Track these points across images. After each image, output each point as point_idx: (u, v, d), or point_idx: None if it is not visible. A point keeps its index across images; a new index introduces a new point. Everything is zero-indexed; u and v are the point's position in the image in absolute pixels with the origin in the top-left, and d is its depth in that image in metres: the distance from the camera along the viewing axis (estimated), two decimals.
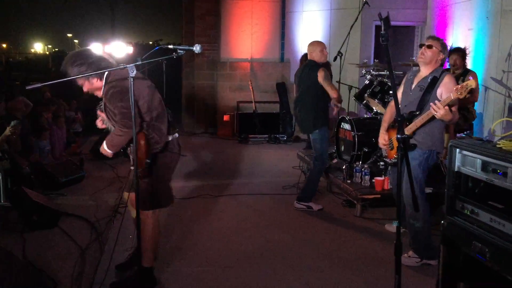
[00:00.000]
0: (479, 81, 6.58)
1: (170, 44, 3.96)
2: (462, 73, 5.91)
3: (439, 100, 3.58)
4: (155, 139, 3.41)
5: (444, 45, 3.91)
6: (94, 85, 3.39)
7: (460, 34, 7.98)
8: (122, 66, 2.90)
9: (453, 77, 3.91)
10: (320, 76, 5.17)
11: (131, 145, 3.34)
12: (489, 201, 2.39)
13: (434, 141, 3.87)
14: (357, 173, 5.34)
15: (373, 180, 5.15)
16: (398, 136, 2.18)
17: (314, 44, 5.51)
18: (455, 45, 7.99)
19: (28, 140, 6.89)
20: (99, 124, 3.63)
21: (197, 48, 2.98)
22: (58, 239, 4.58)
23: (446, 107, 3.43)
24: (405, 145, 2.15)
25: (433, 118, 3.61)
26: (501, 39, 6.96)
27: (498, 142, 2.33)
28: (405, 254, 3.91)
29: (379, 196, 5.00)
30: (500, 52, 6.94)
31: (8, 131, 5.97)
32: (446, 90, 3.73)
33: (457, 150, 2.53)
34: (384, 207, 5.21)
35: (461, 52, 5.93)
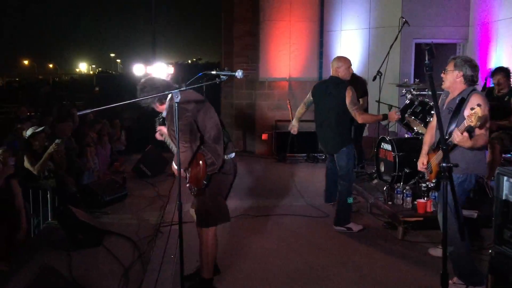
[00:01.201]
0: None
1: (211, 68, 4.06)
2: (508, 93, 5.76)
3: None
4: (211, 160, 3.58)
5: (458, 62, 3.77)
6: (159, 108, 3.75)
7: (504, 52, 7.79)
8: (167, 92, 2.99)
9: (480, 95, 3.72)
10: (348, 97, 5.10)
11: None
12: None
13: (470, 164, 3.70)
14: (398, 195, 5.25)
15: (415, 202, 5.05)
16: (443, 164, 2.16)
17: (341, 59, 5.40)
18: (498, 63, 7.84)
19: (74, 161, 7.11)
20: (158, 136, 3.89)
21: (239, 73, 3.05)
22: (102, 258, 4.70)
23: (465, 134, 3.32)
24: (450, 174, 2.11)
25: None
26: None
27: None
28: (450, 281, 3.79)
29: (421, 219, 4.90)
30: None
31: (51, 148, 6.22)
32: (472, 105, 3.64)
33: (505, 178, 2.48)
34: (427, 229, 5.09)
35: (504, 72, 5.80)
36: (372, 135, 8.85)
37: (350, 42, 9.65)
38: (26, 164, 5.98)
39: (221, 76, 3.12)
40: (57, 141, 6.84)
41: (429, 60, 2.24)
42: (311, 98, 5.62)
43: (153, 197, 6.97)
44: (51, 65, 74.93)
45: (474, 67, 3.78)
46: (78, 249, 4.83)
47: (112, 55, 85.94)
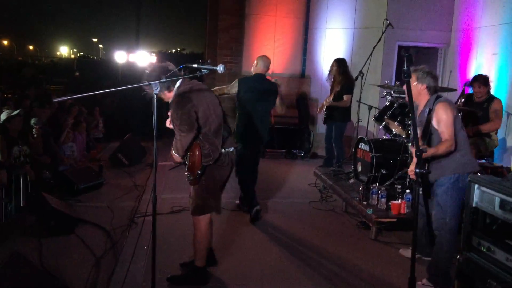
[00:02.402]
0: (503, 105, 6.50)
1: (195, 59, 4.07)
2: (487, 100, 5.86)
3: (435, 129, 3.76)
4: (207, 151, 3.65)
5: (420, 75, 3.89)
6: (166, 96, 3.74)
7: (484, 59, 7.91)
8: (146, 83, 2.95)
9: (444, 104, 3.78)
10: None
11: (188, 153, 3.68)
12: (506, 240, 2.36)
13: (458, 164, 3.76)
14: (374, 195, 5.31)
15: (390, 203, 5.11)
16: (417, 170, 2.19)
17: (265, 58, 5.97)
18: (478, 69, 7.96)
19: (51, 145, 7.00)
20: (168, 124, 3.88)
21: (220, 68, 3.04)
22: (74, 246, 4.65)
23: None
24: (423, 180, 2.15)
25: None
26: None
27: None
28: (419, 282, 3.87)
29: (395, 220, 4.96)
30: None
31: (35, 131, 6.17)
32: (437, 119, 3.75)
33: (476, 185, 2.52)
34: (400, 230, 5.16)
35: (482, 80, 5.89)
36: (351, 134, 8.93)
37: (335, 41, 9.68)
38: None
39: (202, 70, 3.11)
40: (33, 120, 6.72)
41: (407, 67, 2.26)
42: (241, 91, 5.62)
43: (129, 187, 6.91)
44: (31, 47, 73.41)
45: (435, 77, 3.93)
46: (50, 236, 4.77)
47: (95, 40, 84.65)
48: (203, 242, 3.87)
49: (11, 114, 6.13)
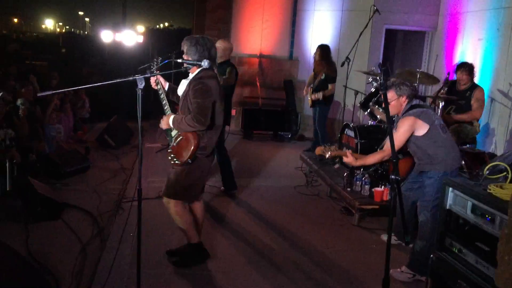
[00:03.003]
0: (486, 93, 6.58)
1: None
2: (469, 88, 5.93)
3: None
4: (204, 144, 3.68)
5: (398, 90, 3.99)
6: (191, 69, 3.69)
7: (470, 44, 7.96)
8: (131, 78, 2.94)
9: (407, 119, 3.93)
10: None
11: (180, 137, 3.68)
12: (476, 242, 2.45)
13: (443, 162, 3.90)
14: (357, 182, 5.40)
15: (373, 190, 5.21)
16: (392, 177, 2.25)
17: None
18: (464, 54, 8.02)
19: (36, 127, 6.96)
20: (152, 82, 3.87)
21: (205, 63, 3.06)
22: (60, 232, 4.69)
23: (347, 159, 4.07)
24: (398, 187, 2.21)
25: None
26: (510, 51, 6.95)
27: (489, 187, 2.38)
28: (398, 269, 3.99)
29: (377, 207, 5.07)
30: (508, 65, 6.94)
31: (21, 112, 6.12)
32: (397, 127, 3.96)
33: (450, 188, 2.59)
34: (382, 216, 5.27)
35: (467, 67, 5.94)
36: (334, 116, 9.00)
37: (323, 23, 9.65)
38: None
39: (186, 65, 3.12)
40: (19, 101, 6.65)
41: (384, 80, 2.30)
42: None
43: (116, 170, 6.93)
44: (15, 20, 71.85)
45: (408, 83, 4.05)
46: (36, 222, 4.79)
47: (81, 13, 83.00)
48: (183, 219, 3.93)
49: None
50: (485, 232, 2.33)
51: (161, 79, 3.92)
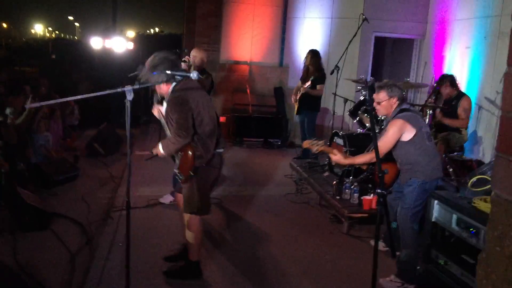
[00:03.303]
0: (473, 101, 6.66)
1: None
2: (456, 97, 6.00)
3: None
4: (200, 153, 3.69)
5: (389, 91, 4.04)
6: (162, 89, 3.73)
7: (458, 52, 8.05)
8: (120, 90, 2.95)
9: (397, 121, 3.95)
10: None
11: (179, 153, 3.74)
12: (462, 255, 2.47)
13: (424, 170, 3.89)
14: (347, 190, 5.43)
15: (362, 198, 5.24)
16: (378, 190, 2.27)
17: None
18: (452, 62, 8.11)
19: (24, 135, 6.91)
20: (155, 112, 3.96)
21: (194, 75, 3.08)
22: (49, 242, 4.64)
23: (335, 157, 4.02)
24: (385, 201, 2.23)
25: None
26: (497, 60, 7.04)
27: (474, 201, 2.41)
28: (387, 278, 4.01)
29: (366, 215, 5.09)
30: (495, 73, 7.02)
31: (9, 121, 6.08)
32: (386, 129, 3.99)
33: (435, 201, 2.62)
34: (371, 224, 5.29)
35: (447, 80, 6.04)
36: (322, 123, 9.03)
37: (313, 30, 9.71)
38: None
39: (176, 77, 3.13)
40: (8, 110, 6.58)
41: (370, 96, 2.32)
42: None
43: (105, 178, 6.90)
44: (4, 25, 71.38)
45: (400, 86, 4.11)
46: (24, 231, 4.75)
47: (71, 18, 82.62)
48: (196, 238, 3.97)
49: None
50: (470, 245, 2.35)
51: (161, 109, 3.93)
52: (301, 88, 7.56)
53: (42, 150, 7.28)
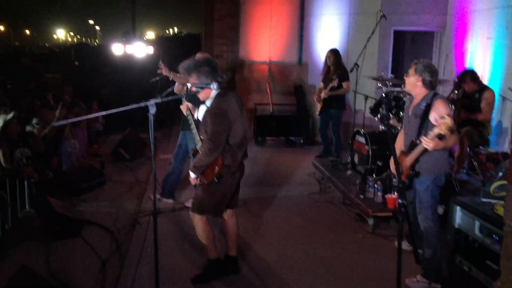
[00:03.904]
0: (497, 92, 6.56)
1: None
2: (479, 90, 5.93)
3: (434, 125, 3.69)
4: (228, 162, 3.74)
5: (418, 67, 3.95)
6: (203, 94, 3.70)
7: (479, 43, 7.92)
8: (143, 104, 3.02)
9: (443, 100, 3.90)
10: None
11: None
12: (486, 261, 2.47)
13: (438, 164, 3.92)
14: (370, 189, 5.43)
15: (386, 197, 5.23)
16: (399, 201, 2.29)
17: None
18: (474, 53, 7.99)
19: (51, 144, 7.07)
20: (184, 109, 4.03)
21: (213, 86, 3.13)
22: (80, 249, 4.78)
23: (436, 140, 3.51)
24: (406, 210, 2.25)
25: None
26: None
27: (496, 207, 2.40)
28: (414, 279, 4.00)
29: (390, 214, 5.09)
30: None
31: (36, 132, 6.26)
32: (438, 114, 3.79)
33: (458, 207, 2.62)
34: (397, 222, 5.28)
35: (468, 76, 5.96)
36: (349, 120, 8.99)
37: (330, 27, 9.66)
38: (0, 156, 5.90)
39: (196, 88, 3.20)
40: (34, 120, 6.75)
41: (386, 111, 2.34)
42: None
43: (131, 183, 7.04)
44: (28, 31, 72.87)
45: (433, 72, 3.95)
46: (56, 240, 4.89)
47: (91, 22, 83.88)
48: (205, 235, 4.03)
49: (6, 119, 6.15)
50: (494, 252, 2.35)
51: (190, 106, 4.02)
52: (323, 92, 7.53)
53: (70, 157, 7.47)
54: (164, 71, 5.58)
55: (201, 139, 3.88)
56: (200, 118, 3.88)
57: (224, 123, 3.61)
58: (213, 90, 3.30)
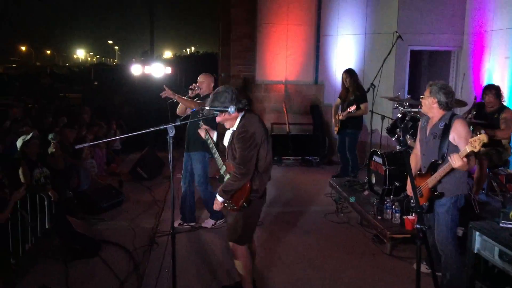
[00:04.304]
0: None
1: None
2: (497, 110, 5.88)
3: (454, 146, 3.79)
4: (257, 187, 3.73)
5: (433, 89, 3.99)
6: (230, 117, 3.67)
7: (497, 62, 7.89)
8: (162, 127, 3.08)
9: (463, 121, 3.93)
10: None
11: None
12: (506, 287, 2.45)
13: (459, 185, 3.94)
14: (388, 210, 5.39)
15: (404, 218, 5.18)
16: (417, 226, 2.29)
17: (203, 76, 5.87)
18: (491, 73, 7.95)
19: (71, 164, 7.17)
20: (202, 134, 4.06)
21: (231, 109, 3.18)
22: (98, 269, 4.83)
23: (464, 159, 3.52)
24: (424, 235, 2.25)
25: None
26: None
27: None
28: None
29: (409, 235, 5.04)
30: None
31: (52, 147, 6.37)
32: (458, 135, 3.85)
33: (477, 233, 2.61)
34: (415, 244, 5.22)
35: (494, 90, 5.91)
36: (366, 140, 8.96)
37: (347, 47, 9.73)
38: (20, 173, 6.01)
39: (214, 112, 3.26)
40: (50, 136, 6.82)
41: (403, 137, 2.36)
42: None
43: (149, 202, 7.09)
44: (48, 51, 74.58)
45: (448, 93, 3.98)
46: (75, 259, 4.95)
47: (110, 42, 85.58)
48: (245, 267, 3.96)
49: (26, 139, 6.26)
50: None
51: (209, 130, 4.06)
52: (341, 114, 7.54)
53: (89, 177, 7.56)
54: (168, 94, 5.56)
55: (223, 163, 3.87)
56: (226, 143, 3.86)
57: (253, 147, 3.59)
58: (232, 113, 3.32)
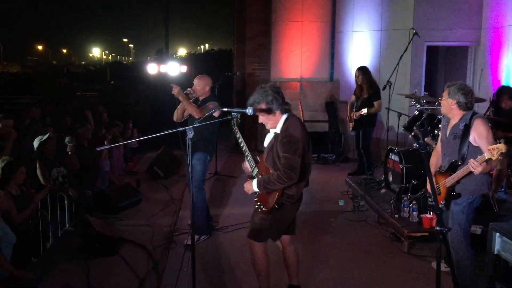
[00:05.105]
0: None
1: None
2: None
3: (474, 147, 3.78)
4: (292, 192, 3.65)
5: (451, 90, 3.95)
6: (273, 119, 3.64)
7: None
8: (181, 129, 3.11)
9: (483, 120, 3.89)
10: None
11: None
12: None
13: (477, 185, 3.90)
14: (405, 208, 5.37)
15: (421, 216, 5.16)
16: (437, 228, 2.29)
17: (199, 78, 5.67)
18: (510, 68, 7.85)
19: (90, 165, 7.23)
20: (247, 169, 3.96)
21: (249, 110, 3.20)
22: (118, 267, 4.90)
23: (484, 164, 3.50)
24: (444, 237, 2.24)
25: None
26: None
27: None
28: None
29: (426, 234, 5.01)
30: None
31: (69, 149, 6.47)
32: (478, 135, 3.82)
33: (497, 234, 2.60)
34: (433, 242, 5.20)
35: (507, 94, 5.86)
36: (379, 137, 8.92)
37: (362, 44, 9.67)
38: (38, 173, 6.12)
39: (232, 114, 3.28)
40: (67, 139, 6.93)
41: (423, 141, 2.36)
42: None
43: (166, 201, 7.16)
44: (64, 50, 75.44)
45: (467, 94, 3.94)
46: (94, 258, 5.03)
47: (125, 40, 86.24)
48: (260, 265, 3.88)
49: (42, 139, 6.36)
50: None
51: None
52: (354, 114, 7.53)
53: (107, 177, 7.66)
54: (174, 92, 5.36)
55: (255, 165, 3.81)
56: (266, 145, 3.77)
57: (298, 150, 3.48)
58: (249, 114, 3.32)
